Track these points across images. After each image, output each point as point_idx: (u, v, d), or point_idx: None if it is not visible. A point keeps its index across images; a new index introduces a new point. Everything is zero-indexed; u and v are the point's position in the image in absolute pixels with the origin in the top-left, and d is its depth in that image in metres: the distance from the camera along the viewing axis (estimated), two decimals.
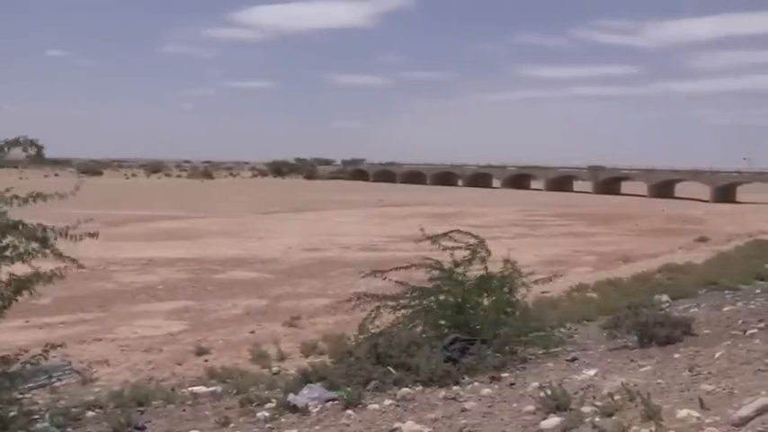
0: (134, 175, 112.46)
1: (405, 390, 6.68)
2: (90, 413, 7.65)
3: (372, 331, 8.33)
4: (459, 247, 8.91)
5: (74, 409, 7.57)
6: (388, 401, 6.38)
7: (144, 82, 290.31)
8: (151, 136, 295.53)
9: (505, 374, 7.14)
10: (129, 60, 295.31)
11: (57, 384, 9.62)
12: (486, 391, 6.40)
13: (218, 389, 8.83)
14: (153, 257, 25.51)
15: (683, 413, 4.19)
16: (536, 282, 9.42)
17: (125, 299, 18.30)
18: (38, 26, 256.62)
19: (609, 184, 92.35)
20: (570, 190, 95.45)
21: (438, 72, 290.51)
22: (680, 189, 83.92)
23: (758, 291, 12.71)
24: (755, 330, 7.81)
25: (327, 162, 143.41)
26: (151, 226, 37.71)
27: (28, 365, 6.17)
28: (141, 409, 7.74)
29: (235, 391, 8.38)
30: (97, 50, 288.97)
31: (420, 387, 6.83)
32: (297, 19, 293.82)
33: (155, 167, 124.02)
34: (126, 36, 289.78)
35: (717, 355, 6.38)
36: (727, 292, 13.59)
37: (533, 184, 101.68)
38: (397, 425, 5.56)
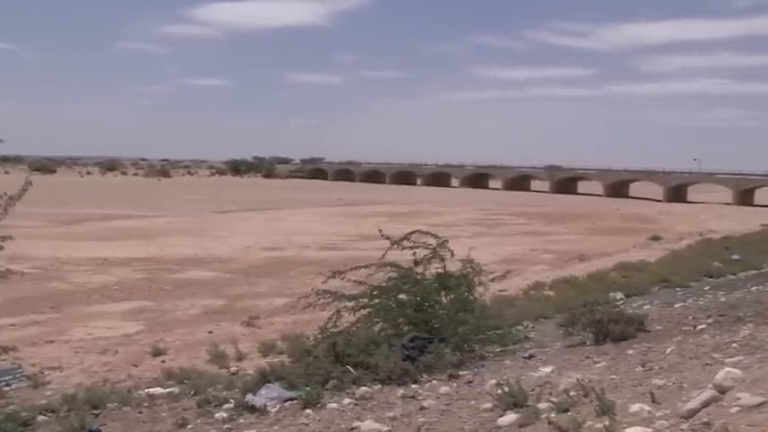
0: (89, 173, 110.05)
1: (363, 389, 6.70)
2: (42, 417, 7.48)
3: (331, 330, 8.33)
4: (419, 247, 8.97)
5: (24, 414, 7.39)
6: (346, 400, 6.38)
7: (99, 78, 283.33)
8: (107, 133, 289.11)
9: (463, 372, 7.21)
10: (82, 56, 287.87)
11: (6, 389, 9.38)
12: (444, 389, 6.45)
13: (176, 390, 8.72)
14: (108, 257, 25.03)
15: (635, 407, 4.29)
16: (492, 280, 9.53)
17: (79, 299, 17.93)
18: None
19: (565, 183, 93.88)
20: (528, 189, 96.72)
21: (396, 71, 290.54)
22: (634, 189, 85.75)
23: (707, 288, 13.10)
24: (704, 326, 8.04)
25: (286, 161, 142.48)
26: (106, 225, 36.98)
27: None
28: (96, 412, 7.60)
29: (192, 392, 8.29)
30: (48, 45, 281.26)
31: (379, 386, 6.85)
32: (253, 17, 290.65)
33: (110, 165, 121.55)
34: (79, 31, 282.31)
35: (668, 350, 6.55)
36: (678, 289, 13.97)
37: (491, 184, 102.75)
38: (355, 424, 5.57)
